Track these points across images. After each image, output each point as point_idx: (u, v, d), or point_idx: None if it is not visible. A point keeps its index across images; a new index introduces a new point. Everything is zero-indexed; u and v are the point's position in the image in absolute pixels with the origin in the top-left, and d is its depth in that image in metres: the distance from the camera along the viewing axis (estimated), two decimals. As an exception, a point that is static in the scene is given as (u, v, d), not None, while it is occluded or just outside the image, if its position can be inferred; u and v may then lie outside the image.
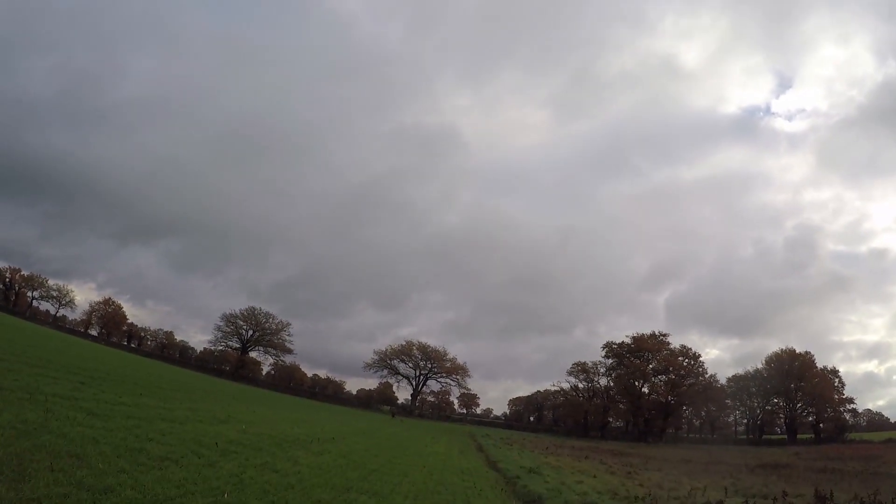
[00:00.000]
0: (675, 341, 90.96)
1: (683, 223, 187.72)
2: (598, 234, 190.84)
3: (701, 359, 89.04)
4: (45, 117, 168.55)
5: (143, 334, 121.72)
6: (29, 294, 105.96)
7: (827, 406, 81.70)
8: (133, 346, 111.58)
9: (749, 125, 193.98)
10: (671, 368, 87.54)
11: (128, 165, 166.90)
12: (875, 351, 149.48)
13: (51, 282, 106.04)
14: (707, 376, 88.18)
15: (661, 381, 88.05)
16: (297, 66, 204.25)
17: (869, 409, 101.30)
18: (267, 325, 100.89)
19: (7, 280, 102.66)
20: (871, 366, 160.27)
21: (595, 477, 22.28)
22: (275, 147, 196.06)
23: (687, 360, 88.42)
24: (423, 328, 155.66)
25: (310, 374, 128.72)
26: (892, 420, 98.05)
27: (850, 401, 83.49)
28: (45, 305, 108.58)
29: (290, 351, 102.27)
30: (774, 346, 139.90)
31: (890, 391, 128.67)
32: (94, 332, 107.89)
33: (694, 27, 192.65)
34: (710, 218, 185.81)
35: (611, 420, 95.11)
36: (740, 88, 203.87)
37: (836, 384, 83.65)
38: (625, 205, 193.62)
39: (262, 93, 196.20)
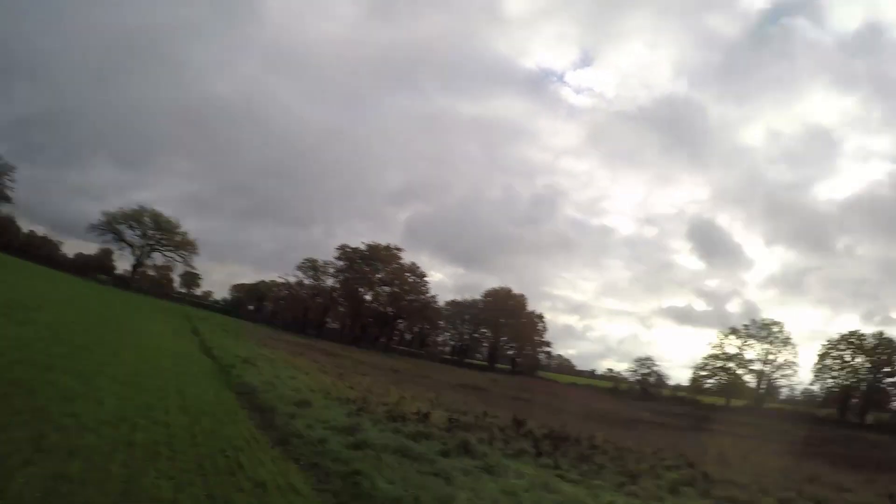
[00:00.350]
0: (407, 257, 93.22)
1: (444, 151, 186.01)
2: (365, 141, 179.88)
3: (426, 279, 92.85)
4: None
5: None
6: None
7: (527, 344, 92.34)
8: None
9: (540, 85, 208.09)
10: (397, 282, 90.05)
11: None
12: (579, 308, 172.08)
13: None
14: (428, 296, 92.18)
15: (385, 291, 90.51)
16: None
17: (560, 355, 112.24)
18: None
19: None
20: (572, 320, 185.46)
21: (308, 374, 22.49)
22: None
23: (413, 277, 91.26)
24: (161, 195, 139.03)
25: (26, 230, 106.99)
26: (577, 368, 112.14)
27: (548, 344, 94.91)
28: None
29: (8, 199, 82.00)
30: (493, 282, 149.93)
31: (582, 344, 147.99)
32: None
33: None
34: (470, 154, 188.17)
35: (329, 321, 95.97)
36: (546, 50, 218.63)
37: (539, 327, 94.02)
38: (399, 120, 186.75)
39: None
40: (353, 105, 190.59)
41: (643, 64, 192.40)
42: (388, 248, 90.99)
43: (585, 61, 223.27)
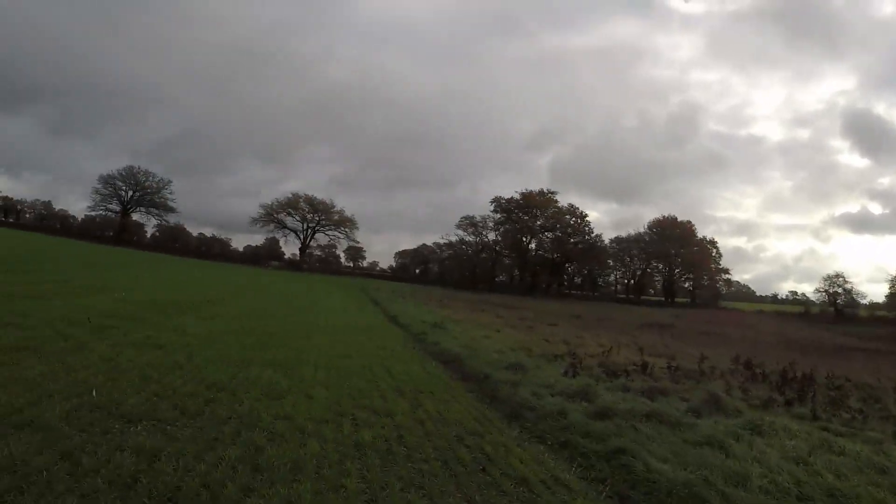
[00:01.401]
0: (561, 200, 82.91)
1: (569, 90, 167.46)
2: (482, 95, 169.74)
3: (587, 219, 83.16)
4: None
5: (19, 207, 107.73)
6: None
7: (704, 273, 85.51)
8: (11, 221, 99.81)
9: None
10: (558, 226, 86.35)
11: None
12: (744, 228, 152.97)
13: None
14: (592, 235, 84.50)
15: (548, 237, 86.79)
16: None
17: (737, 281, 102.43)
18: (147, 185, 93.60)
19: None
20: (740, 241, 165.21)
21: (499, 332, 20.49)
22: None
23: (574, 219, 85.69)
24: (309, 182, 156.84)
25: (195, 234, 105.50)
26: (758, 293, 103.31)
27: (726, 271, 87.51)
28: None
29: (172, 210, 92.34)
30: (651, 213, 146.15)
31: (756, 266, 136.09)
32: (-38, 211, 65.78)
33: None
34: (596, 87, 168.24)
35: (498, 274, 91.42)
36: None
37: (713, 254, 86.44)
38: (511, 67, 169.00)
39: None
40: (459, 61, 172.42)
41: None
42: (542, 192, 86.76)
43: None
